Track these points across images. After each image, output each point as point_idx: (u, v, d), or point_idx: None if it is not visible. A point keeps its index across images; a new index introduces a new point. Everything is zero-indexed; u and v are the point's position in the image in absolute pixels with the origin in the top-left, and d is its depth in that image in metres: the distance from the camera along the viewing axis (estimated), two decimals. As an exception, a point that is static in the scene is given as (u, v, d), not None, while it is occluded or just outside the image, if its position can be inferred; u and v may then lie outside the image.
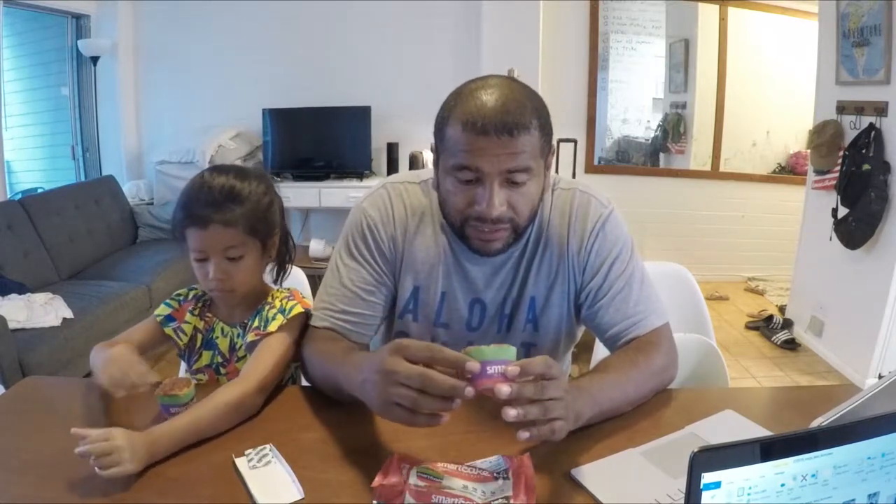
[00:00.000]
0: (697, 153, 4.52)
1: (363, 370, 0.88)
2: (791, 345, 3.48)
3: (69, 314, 2.75)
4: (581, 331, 1.26)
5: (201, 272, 1.13)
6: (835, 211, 3.10)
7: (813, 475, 0.59)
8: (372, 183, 3.96)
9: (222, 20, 4.31)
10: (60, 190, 3.75)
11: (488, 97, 0.97)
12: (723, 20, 4.30)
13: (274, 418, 1.03)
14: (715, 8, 4.29)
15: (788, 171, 4.50)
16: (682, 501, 0.75)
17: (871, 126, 2.87)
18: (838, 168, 3.08)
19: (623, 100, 4.46)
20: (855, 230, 2.93)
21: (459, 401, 0.78)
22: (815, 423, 0.86)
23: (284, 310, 1.14)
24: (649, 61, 4.41)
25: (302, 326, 1.16)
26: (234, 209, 1.10)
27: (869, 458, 0.61)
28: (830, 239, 3.10)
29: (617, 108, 4.48)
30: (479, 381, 0.76)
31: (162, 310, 1.22)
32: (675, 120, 4.50)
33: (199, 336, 1.23)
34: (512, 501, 0.80)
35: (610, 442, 0.94)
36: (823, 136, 3.18)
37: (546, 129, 1.01)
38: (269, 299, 1.18)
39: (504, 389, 0.75)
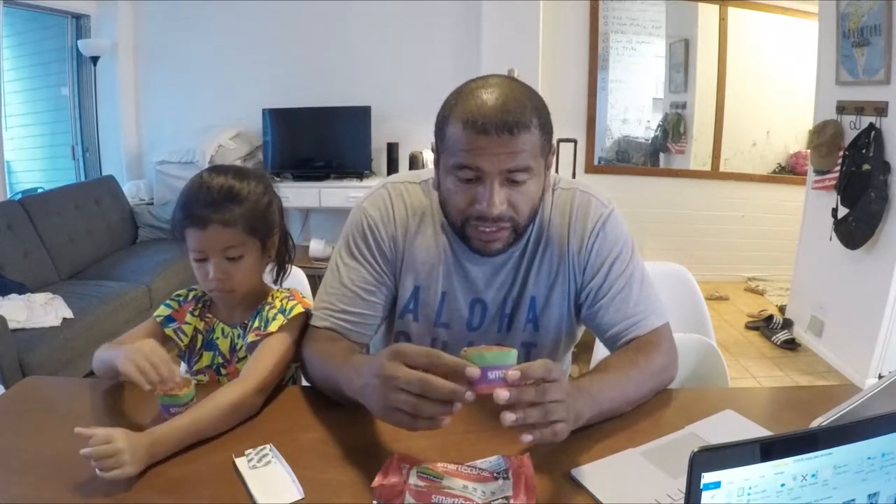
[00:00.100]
0: (697, 153, 4.52)
1: (363, 374, 0.88)
2: (791, 345, 3.48)
3: (69, 314, 2.75)
4: (581, 331, 1.26)
5: (201, 272, 1.13)
6: (835, 211, 3.10)
7: (813, 475, 0.59)
8: (372, 183, 3.95)
9: (222, 20, 4.31)
10: (60, 190, 3.75)
11: (489, 96, 0.97)
12: (723, 20, 4.30)
13: (274, 418, 1.03)
14: (715, 8, 4.29)
15: (788, 171, 4.50)
16: (682, 501, 0.75)
17: (871, 126, 2.87)
18: (838, 168, 3.08)
19: (623, 100, 4.46)
20: (855, 230, 2.93)
21: (460, 404, 0.78)
22: (815, 423, 0.86)
23: (285, 310, 1.14)
24: (649, 61, 4.41)
25: (302, 326, 1.16)
26: (233, 209, 1.10)
27: (869, 458, 0.61)
28: (830, 239, 3.10)
29: (617, 108, 4.48)
30: (479, 385, 0.76)
31: (162, 311, 1.22)
32: (675, 120, 4.50)
33: (200, 337, 1.23)
34: (512, 501, 0.80)
35: (610, 442, 0.94)
36: (823, 136, 3.18)
37: (546, 128, 1.01)
38: (270, 299, 1.18)
39: (503, 394, 0.75)
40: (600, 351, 1.36)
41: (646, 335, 1.10)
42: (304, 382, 1.19)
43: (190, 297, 1.24)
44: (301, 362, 1.15)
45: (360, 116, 4.19)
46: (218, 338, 1.22)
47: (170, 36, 4.38)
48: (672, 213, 4.52)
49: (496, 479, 0.84)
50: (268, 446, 0.92)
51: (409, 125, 4.19)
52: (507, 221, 1.02)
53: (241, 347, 1.18)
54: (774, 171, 4.54)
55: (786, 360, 3.36)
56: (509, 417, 0.75)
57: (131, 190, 4.29)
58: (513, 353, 0.78)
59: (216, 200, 1.09)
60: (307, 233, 4.44)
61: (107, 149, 4.45)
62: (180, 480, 0.86)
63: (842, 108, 3.13)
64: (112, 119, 4.38)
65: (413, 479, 0.82)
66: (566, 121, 4.16)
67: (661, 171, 4.58)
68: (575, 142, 3.88)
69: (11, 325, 2.47)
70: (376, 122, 4.20)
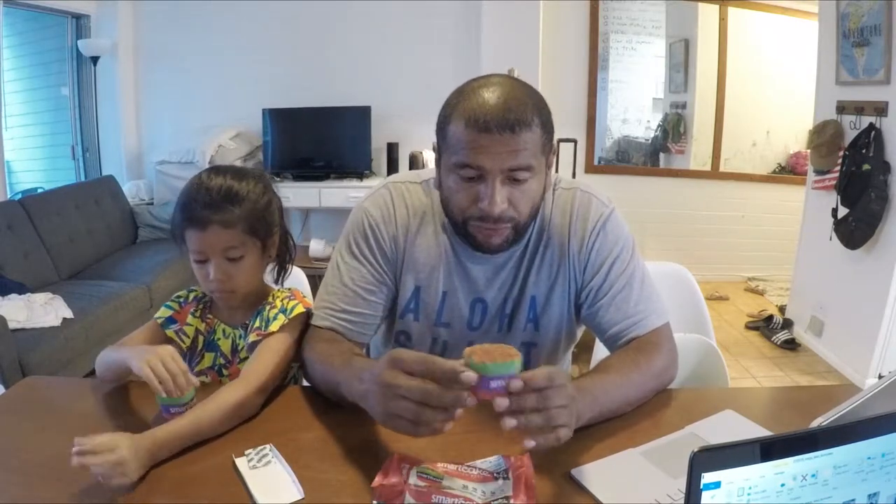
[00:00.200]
0: (697, 153, 4.52)
1: (364, 380, 0.88)
2: (791, 345, 3.48)
3: (69, 314, 2.75)
4: (581, 330, 1.26)
5: (202, 274, 1.13)
6: (835, 211, 3.10)
7: (813, 475, 0.59)
8: (372, 183, 3.97)
9: (222, 20, 4.31)
10: (60, 190, 3.75)
11: (490, 95, 0.97)
12: (723, 20, 4.30)
13: (274, 418, 1.03)
14: (715, 8, 4.29)
15: (788, 171, 4.50)
16: (682, 501, 0.75)
17: (871, 126, 2.87)
18: (838, 168, 3.07)
19: (623, 100, 4.46)
20: (855, 230, 2.93)
21: (461, 410, 0.78)
22: (815, 423, 0.86)
23: (286, 309, 1.14)
24: (649, 61, 4.41)
25: (303, 326, 1.16)
26: (232, 210, 1.10)
27: (869, 458, 0.61)
28: (830, 239, 3.10)
29: (617, 108, 4.48)
30: (480, 393, 0.76)
31: (163, 312, 1.21)
32: (675, 120, 4.50)
33: (201, 338, 1.22)
34: (512, 501, 0.80)
35: (610, 442, 0.94)
36: (823, 136, 3.18)
37: (547, 126, 1.01)
38: (270, 299, 1.18)
39: (503, 402, 0.75)
40: (600, 351, 1.36)
41: (646, 335, 1.10)
42: (305, 383, 1.19)
43: (190, 298, 1.24)
44: (301, 363, 1.15)
45: (360, 116, 4.19)
46: (219, 339, 1.21)
47: (170, 36, 4.38)
48: (672, 213, 4.52)
49: (496, 479, 0.84)
50: (268, 446, 0.92)
51: (409, 125, 4.19)
52: (507, 221, 1.02)
53: (242, 348, 1.18)
54: (774, 171, 4.54)
55: (786, 360, 3.36)
56: (509, 423, 0.75)
57: (131, 190, 4.29)
58: (516, 363, 0.77)
59: (215, 201, 1.09)
60: (307, 233, 4.44)
61: (107, 149, 4.45)
62: (180, 480, 0.86)
63: (842, 108, 3.13)
64: (112, 119, 4.38)
65: (413, 479, 0.82)
66: (566, 121, 4.16)
67: (661, 171, 4.58)
68: (575, 142, 3.88)
69: (11, 325, 2.47)
70: (376, 122, 4.20)
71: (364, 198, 1.20)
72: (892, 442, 0.61)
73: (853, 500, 0.62)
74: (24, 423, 1.02)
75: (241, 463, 0.88)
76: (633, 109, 4.50)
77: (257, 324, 1.15)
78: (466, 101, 0.98)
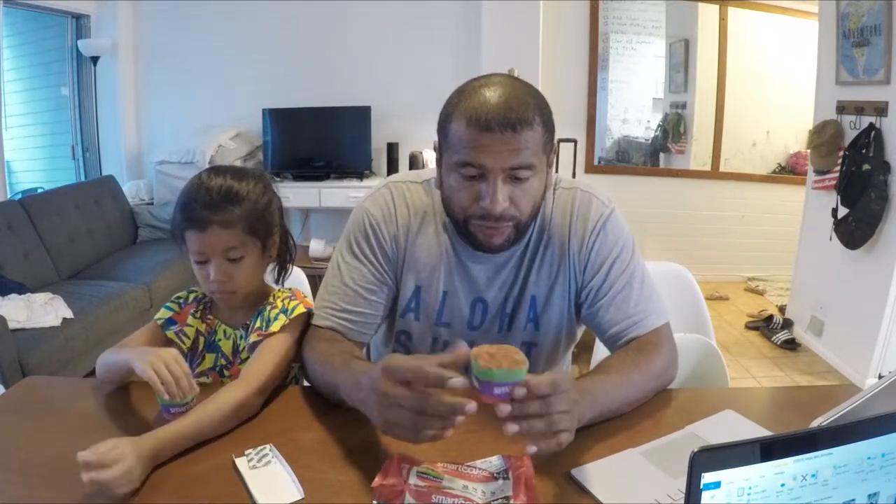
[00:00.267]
0: (697, 153, 4.52)
1: (362, 388, 0.88)
2: (791, 345, 3.48)
3: (69, 314, 2.75)
4: (581, 330, 1.26)
5: (202, 274, 1.13)
6: (835, 211, 3.10)
7: (813, 475, 0.59)
8: (372, 183, 3.97)
9: (222, 20, 4.31)
10: (60, 190, 3.75)
11: (492, 94, 0.97)
12: (723, 20, 4.30)
13: (274, 418, 1.03)
14: (715, 8, 4.29)
15: (788, 171, 4.50)
16: (682, 501, 0.75)
17: (871, 126, 2.87)
18: (838, 168, 3.08)
19: (623, 100, 4.46)
20: (855, 230, 2.93)
21: (462, 417, 0.78)
22: (815, 423, 0.86)
23: (286, 309, 1.14)
24: (649, 61, 4.41)
25: (304, 326, 1.16)
26: (232, 210, 1.10)
27: (869, 458, 0.61)
28: (830, 239, 3.10)
29: (617, 108, 4.48)
30: (483, 397, 0.76)
31: (163, 313, 1.21)
32: (675, 120, 4.50)
33: (202, 339, 1.22)
34: (512, 501, 0.80)
35: (610, 442, 0.94)
36: (823, 136, 3.18)
37: (548, 126, 1.01)
38: (271, 299, 1.18)
39: (505, 408, 0.75)
40: (600, 351, 1.36)
41: (646, 335, 1.10)
42: (306, 383, 1.19)
43: (191, 298, 1.24)
44: (301, 363, 1.15)
45: (360, 116, 4.19)
46: (220, 340, 1.21)
47: (170, 36, 4.38)
48: (672, 213, 4.52)
49: (496, 479, 0.84)
50: (268, 446, 0.92)
51: (409, 125, 4.19)
52: (509, 220, 1.02)
53: (243, 349, 1.18)
54: (774, 171, 4.54)
55: (786, 360, 3.36)
56: (512, 428, 0.76)
57: (131, 190, 4.29)
58: (522, 371, 0.76)
59: (215, 202, 1.09)
60: (307, 233, 4.44)
61: (107, 149, 4.45)
62: (180, 480, 0.86)
63: (842, 108, 3.13)
64: (112, 119, 4.38)
65: (413, 480, 0.82)
66: (566, 121, 4.16)
67: (661, 171, 4.58)
68: (575, 142, 3.88)
69: (11, 325, 2.47)
70: (376, 122, 4.20)
71: (365, 197, 1.20)
72: (892, 442, 0.61)
73: (853, 500, 0.62)
74: (24, 423, 1.02)
75: (241, 463, 0.88)
76: (633, 109, 4.50)
77: (258, 324, 1.15)
78: (468, 100, 0.98)
